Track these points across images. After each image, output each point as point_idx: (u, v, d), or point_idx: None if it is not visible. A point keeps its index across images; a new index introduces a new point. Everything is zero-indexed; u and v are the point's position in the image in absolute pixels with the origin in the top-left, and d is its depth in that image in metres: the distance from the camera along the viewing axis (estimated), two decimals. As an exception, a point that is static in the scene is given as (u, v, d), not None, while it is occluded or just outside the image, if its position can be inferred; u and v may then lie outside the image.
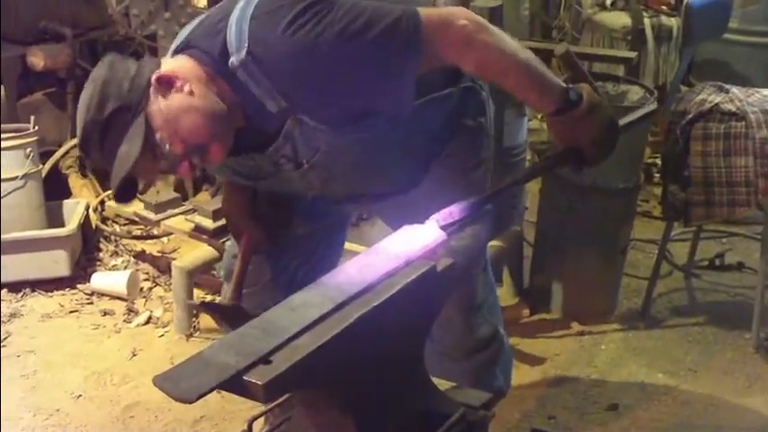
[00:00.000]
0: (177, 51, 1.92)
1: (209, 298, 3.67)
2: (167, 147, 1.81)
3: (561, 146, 2.03)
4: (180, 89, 1.82)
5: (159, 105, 1.81)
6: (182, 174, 1.92)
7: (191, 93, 1.82)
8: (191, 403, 1.25)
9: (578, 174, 2.23)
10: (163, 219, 3.68)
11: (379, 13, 1.80)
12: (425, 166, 2.12)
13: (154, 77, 1.81)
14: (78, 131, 1.86)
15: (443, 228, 1.70)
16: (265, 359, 1.30)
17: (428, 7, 1.89)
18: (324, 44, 1.77)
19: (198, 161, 1.86)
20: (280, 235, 2.21)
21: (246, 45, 1.79)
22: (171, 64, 1.88)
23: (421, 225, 1.70)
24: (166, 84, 1.82)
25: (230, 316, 2.05)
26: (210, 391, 1.25)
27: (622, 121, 2.17)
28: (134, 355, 3.31)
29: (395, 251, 1.59)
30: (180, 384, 1.26)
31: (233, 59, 1.81)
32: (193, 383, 1.25)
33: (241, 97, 1.85)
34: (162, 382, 1.28)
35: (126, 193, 1.91)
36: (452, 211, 1.74)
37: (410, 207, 1.84)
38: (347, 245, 2.59)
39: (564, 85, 1.97)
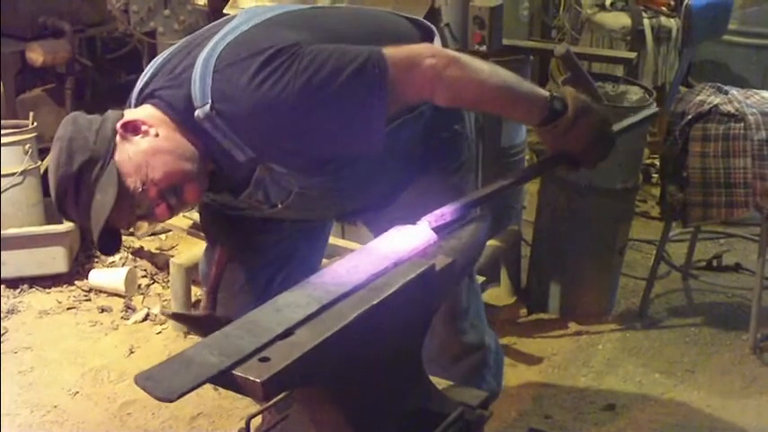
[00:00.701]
0: (139, 100, 1.90)
1: (206, 295, 3.67)
2: (141, 192, 1.80)
3: (550, 150, 2.04)
4: (146, 133, 1.81)
5: (127, 152, 1.80)
6: (160, 217, 1.88)
7: (157, 135, 1.81)
8: (171, 402, 1.24)
9: (574, 173, 2.22)
10: (161, 216, 3.67)
11: (343, 60, 1.77)
12: (404, 180, 2.11)
13: (119, 125, 1.81)
14: (52, 190, 1.86)
15: (435, 229, 1.70)
16: (247, 359, 1.29)
17: (394, 46, 1.84)
18: (289, 97, 1.73)
19: (175, 203, 1.85)
20: (254, 243, 2.20)
21: (210, 101, 1.77)
22: (135, 113, 1.86)
23: (412, 226, 1.70)
24: (132, 129, 1.81)
25: (202, 325, 2.00)
26: (191, 390, 1.24)
27: (619, 125, 2.17)
28: (131, 352, 3.31)
29: (384, 252, 1.59)
30: (162, 383, 1.26)
31: (198, 113, 1.79)
32: (175, 383, 1.25)
33: (208, 146, 1.84)
34: (143, 380, 1.27)
35: (108, 244, 1.89)
36: (444, 213, 1.75)
37: (393, 214, 1.85)
38: (344, 243, 2.60)
39: (547, 94, 1.95)
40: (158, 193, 1.82)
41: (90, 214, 1.81)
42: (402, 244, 1.63)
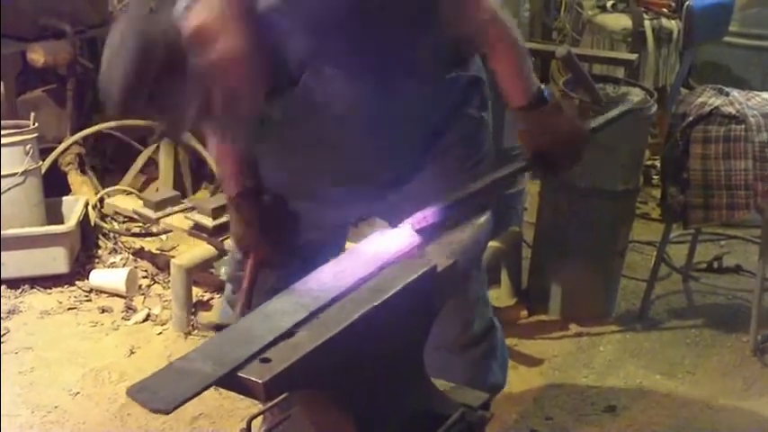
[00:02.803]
0: None
1: (207, 296, 3.67)
2: (215, 94, 1.74)
3: (528, 149, 2.08)
4: (213, 33, 1.73)
5: (197, 57, 1.72)
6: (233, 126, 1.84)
7: (224, 34, 1.73)
8: (167, 414, 1.23)
9: (551, 175, 2.24)
10: (162, 216, 3.68)
11: None
12: (426, 150, 2.11)
13: (187, 29, 1.72)
14: (120, 92, 1.80)
15: (418, 231, 1.71)
16: (241, 367, 1.29)
17: None
18: None
19: (245, 106, 1.80)
20: (286, 249, 2.19)
21: None
22: (199, 11, 1.77)
23: (395, 229, 1.71)
24: (198, 35, 1.73)
25: None
26: (187, 401, 1.23)
27: (595, 122, 2.21)
28: (132, 353, 3.31)
29: (369, 255, 1.59)
30: (157, 394, 1.25)
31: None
32: (169, 394, 1.24)
33: (269, 37, 1.81)
34: (136, 393, 1.26)
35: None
36: (426, 215, 1.76)
37: (411, 203, 1.84)
38: (347, 244, 2.61)
39: (538, 82, 2.06)
40: (229, 95, 1.74)
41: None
42: (385, 247, 1.63)
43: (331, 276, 1.53)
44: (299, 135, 2.06)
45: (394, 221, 1.82)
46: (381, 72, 1.91)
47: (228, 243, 3.47)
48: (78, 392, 3.08)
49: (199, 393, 1.24)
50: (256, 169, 2.12)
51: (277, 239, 2.16)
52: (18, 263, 3.66)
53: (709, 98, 3.29)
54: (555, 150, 2.06)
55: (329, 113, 1.96)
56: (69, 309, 3.59)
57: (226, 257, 3.65)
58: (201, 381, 1.26)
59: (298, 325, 1.39)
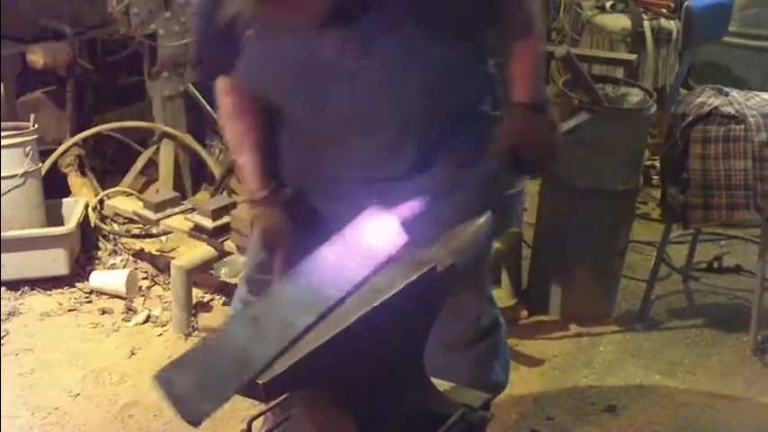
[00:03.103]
0: None
1: (207, 297, 3.67)
2: None
3: (502, 143, 2.08)
4: None
5: None
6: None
7: None
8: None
9: (514, 173, 2.24)
10: (162, 218, 3.68)
11: None
12: (440, 144, 2.11)
13: None
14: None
15: (406, 224, 1.70)
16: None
17: None
18: None
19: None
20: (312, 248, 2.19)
21: None
22: None
23: (382, 218, 1.70)
24: None
25: None
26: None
27: (566, 125, 2.23)
28: (132, 354, 3.31)
29: (361, 248, 1.59)
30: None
31: None
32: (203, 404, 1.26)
33: None
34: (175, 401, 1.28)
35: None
36: (413, 207, 1.76)
37: (418, 196, 1.84)
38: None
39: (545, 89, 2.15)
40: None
41: None
42: (374, 239, 1.62)
43: (330, 269, 1.52)
44: (315, 121, 2.07)
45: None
46: (419, 60, 1.94)
47: (229, 244, 3.47)
48: (79, 394, 3.08)
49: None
50: (277, 166, 2.15)
51: (303, 234, 2.15)
52: (18, 264, 3.66)
53: (708, 98, 3.29)
54: (530, 149, 2.08)
55: (353, 97, 1.97)
56: (69, 310, 3.59)
57: (226, 259, 3.66)
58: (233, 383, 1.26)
59: (309, 329, 1.40)
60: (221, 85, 2.15)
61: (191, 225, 3.57)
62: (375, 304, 1.43)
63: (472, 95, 2.15)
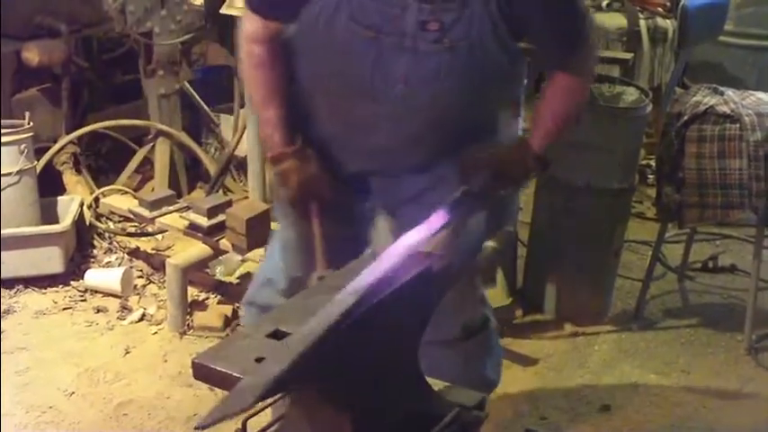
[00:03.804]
0: None
1: (202, 296, 3.67)
2: None
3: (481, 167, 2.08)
4: None
5: None
6: None
7: None
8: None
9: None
10: (157, 216, 3.67)
11: None
12: (439, 150, 2.11)
13: None
14: None
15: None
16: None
17: None
18: None
19: None
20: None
21: None
22: None
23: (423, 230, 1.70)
24: None
25: None
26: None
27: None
28: (127, 353, 3.31)
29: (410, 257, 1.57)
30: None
31: None
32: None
33: None
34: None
35: None
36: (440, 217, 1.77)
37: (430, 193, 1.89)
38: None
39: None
40: None
41: None
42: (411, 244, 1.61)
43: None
44: (336, 105, 2.07)
45: (399, 221, 1.85)
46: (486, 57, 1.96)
47: (224, 243, 3.47)
48: (73, 392, 3.08)
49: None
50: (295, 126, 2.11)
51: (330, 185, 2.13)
52: (13, 263, 3.66)
53: (704, 97, 3.30)
54: (505, 182, 2.14)
55: (413, 76, 1.96)
56: (64, 309, 3.59)
57: (221, 257, 3.65)
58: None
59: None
60: (254, 30, 2.08)
61: (186, 223, 3.57)
62: (372, 303, 1.43)
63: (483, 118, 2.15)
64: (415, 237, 1.64)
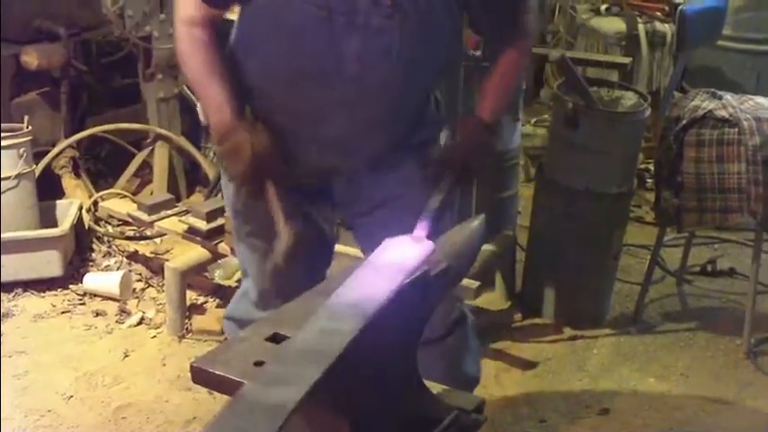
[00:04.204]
0: None
1: (201, 299, 3.67)
2: None
3: (452, 158, 2.11)
4: None
5: None
6: None
7: None
8: None
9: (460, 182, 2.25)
10: (156, 220, 3.67)
11: None
12: (402, 140, 2.14)
13: None
14: None
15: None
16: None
17: None
18: None
19: None
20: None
21: None
22: None
23: (408, 236, 1.70)
24: None
25: None
26: None
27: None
28: (126, 356, 3.31)
29: (389, 269, 1.57)
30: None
31: None
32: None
33: None
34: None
35: None
36: (424, 222, 1.79)
37: (390, 219, 1.88)
38: (340, 248, 2.61)
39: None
40: None
41: None
42: (405, 256, 1.61)
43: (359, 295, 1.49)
44: (286, 94, 2.04)
45: (362, 237, 1.88)
46: (433, 35, 1.97)
47: (223, 247, 3.47)
48: (72, 396, 3.07)
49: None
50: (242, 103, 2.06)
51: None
52: (12, 266, 3.65)
53: (702, 102, 3.30)
54: (474, 166, 2.14)
55: (364, 57, 1.94)
56: (63, 312, 3.59)
57: (220, 261, 3.65)
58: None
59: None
60: (193, 13, 2.02)
61: (185, 227, 3.57)
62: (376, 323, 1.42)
63: (429, 91, 2.20)
64: (404, 247, 1.65)
